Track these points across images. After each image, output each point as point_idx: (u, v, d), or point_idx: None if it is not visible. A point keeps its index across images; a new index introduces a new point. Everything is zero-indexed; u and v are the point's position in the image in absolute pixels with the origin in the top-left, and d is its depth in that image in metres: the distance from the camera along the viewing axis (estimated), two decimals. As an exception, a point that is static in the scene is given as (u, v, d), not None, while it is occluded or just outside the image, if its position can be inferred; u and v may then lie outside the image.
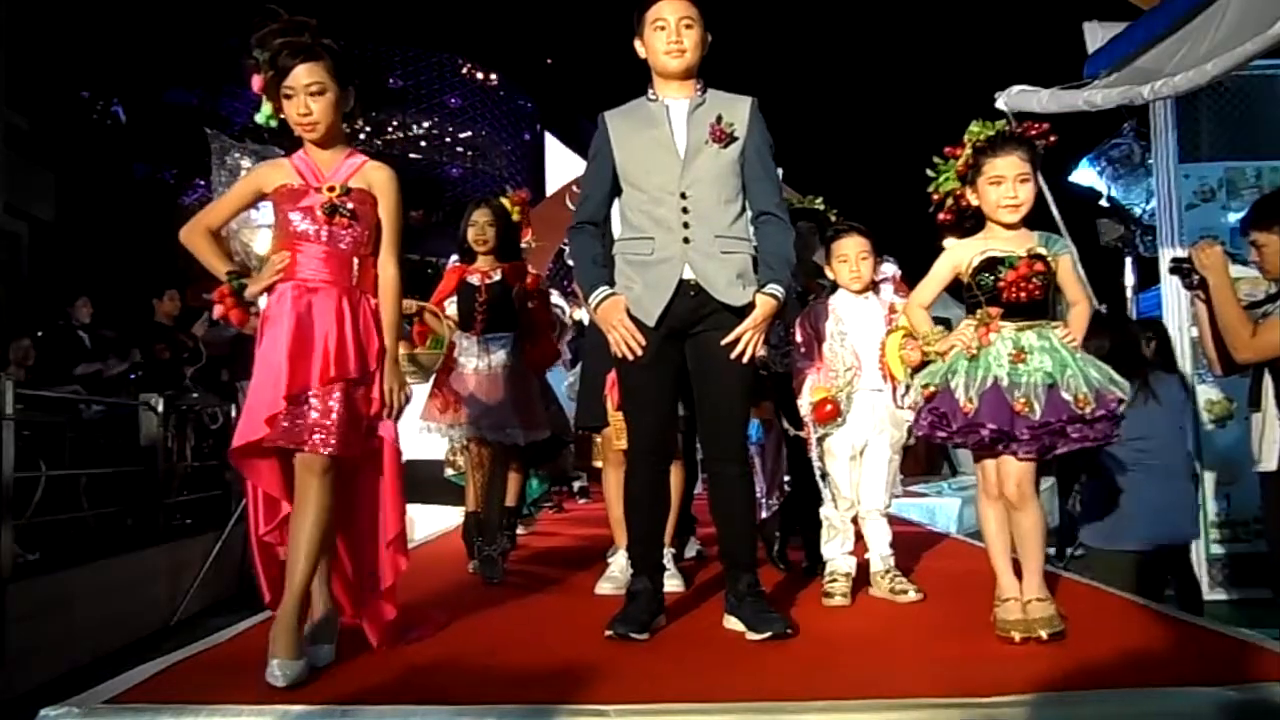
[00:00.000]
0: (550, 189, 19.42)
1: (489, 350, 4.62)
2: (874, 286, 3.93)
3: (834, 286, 3.98)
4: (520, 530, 5.81)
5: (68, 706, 2.45)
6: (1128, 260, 8.87)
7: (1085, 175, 8.67)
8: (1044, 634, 2.93)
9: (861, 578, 3.84)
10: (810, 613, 3.51)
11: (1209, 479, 6.47)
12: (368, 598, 3.06)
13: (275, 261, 2.94)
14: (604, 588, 4.00)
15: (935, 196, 3.29)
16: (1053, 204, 5.84)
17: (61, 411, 7.76)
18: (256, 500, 2.96)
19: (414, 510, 6.66)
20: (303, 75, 2.89)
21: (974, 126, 3.18)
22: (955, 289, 3.27)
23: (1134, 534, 4.30)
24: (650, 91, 3.34)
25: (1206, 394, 6.58)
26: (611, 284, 3.27)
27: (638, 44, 3.33)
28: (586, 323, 5.05)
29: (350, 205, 2.94)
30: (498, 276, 4.68)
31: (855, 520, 3.88)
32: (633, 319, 3.20)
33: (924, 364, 3.29)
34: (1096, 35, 6.82)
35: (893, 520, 3.99)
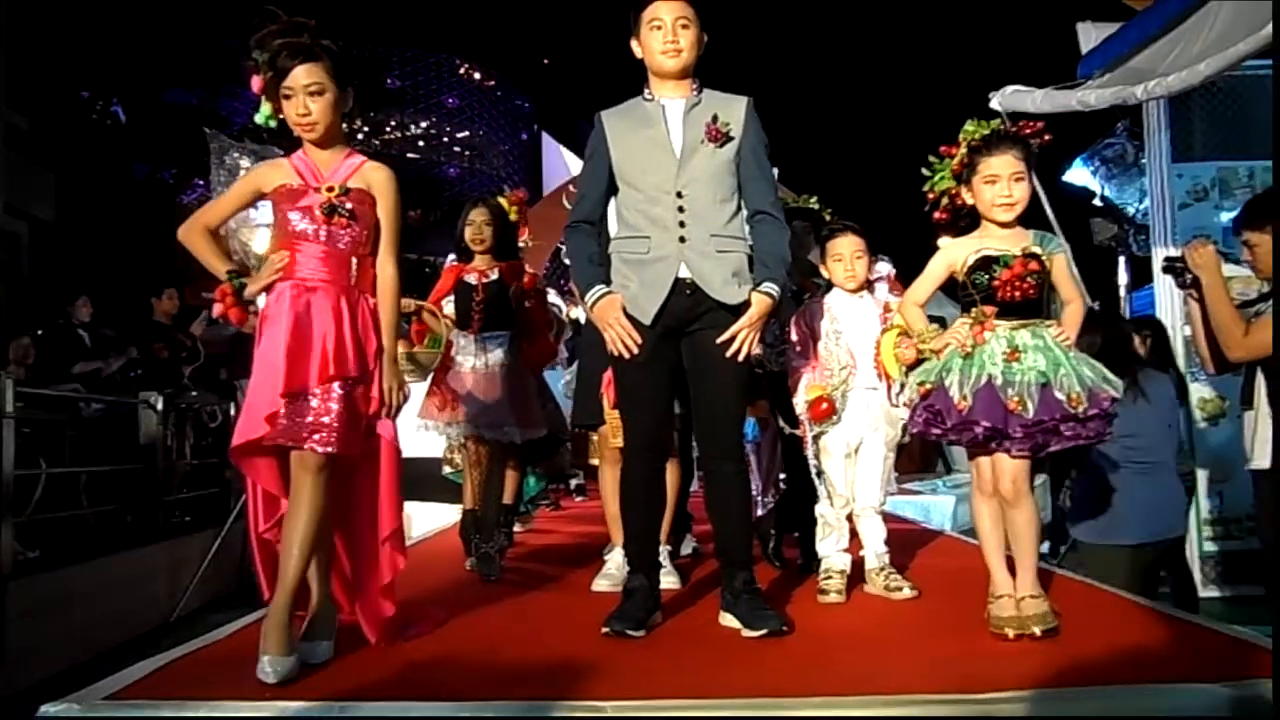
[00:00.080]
0: (547, 188, 19.46)
1: (486, 349, 4.63)
2: (869, 285, 3.94)
3: (829, 285, 4.00)
4: (517, 528, 5.83)
5: (68, 703, 2.46)
6: (1121, 259, 8.90)
7: (1079, 175, 8.69)
8: (1038, 630, 2.94)
9: (856, 575, 3.85)
10: (805, 610, 3.52)
11: (1202, 476, 6.49)
12: (366, 595, 3.07)
13: (274, 261, 2.96)
14: (600, 585, 4.01)
15: (930, 195, 3.30)
16: (1047, 203, 5.88)
17: (61, 410, 7.78)
18: (256, 498, 2.98)
19: (412, 508, 6.66)
20: (302, 76, 2.90)
21: (969, 125, 3.19)
22: (950, 287, 3.28)
23: (1127, 530, 4.32)
24: (646, 91, 3.35)
25: (1199, 392, 6.61)
26: (608, 283, 3.29)
27: (634, 44, 3.34)
28: (583, 321, 5.06)
29: (349, 205, 2.95)
30: (495, 276, 4.69)
31: (850, 518, 3.89)
32: (629, 317, 3.21)
33: (919, 362, 3.30)
34: (1090, 35, 6.85)
35: (887, 517, 4.00)
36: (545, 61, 40.92)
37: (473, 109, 41.45)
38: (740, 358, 3.20)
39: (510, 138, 41.68)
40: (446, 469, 6.23)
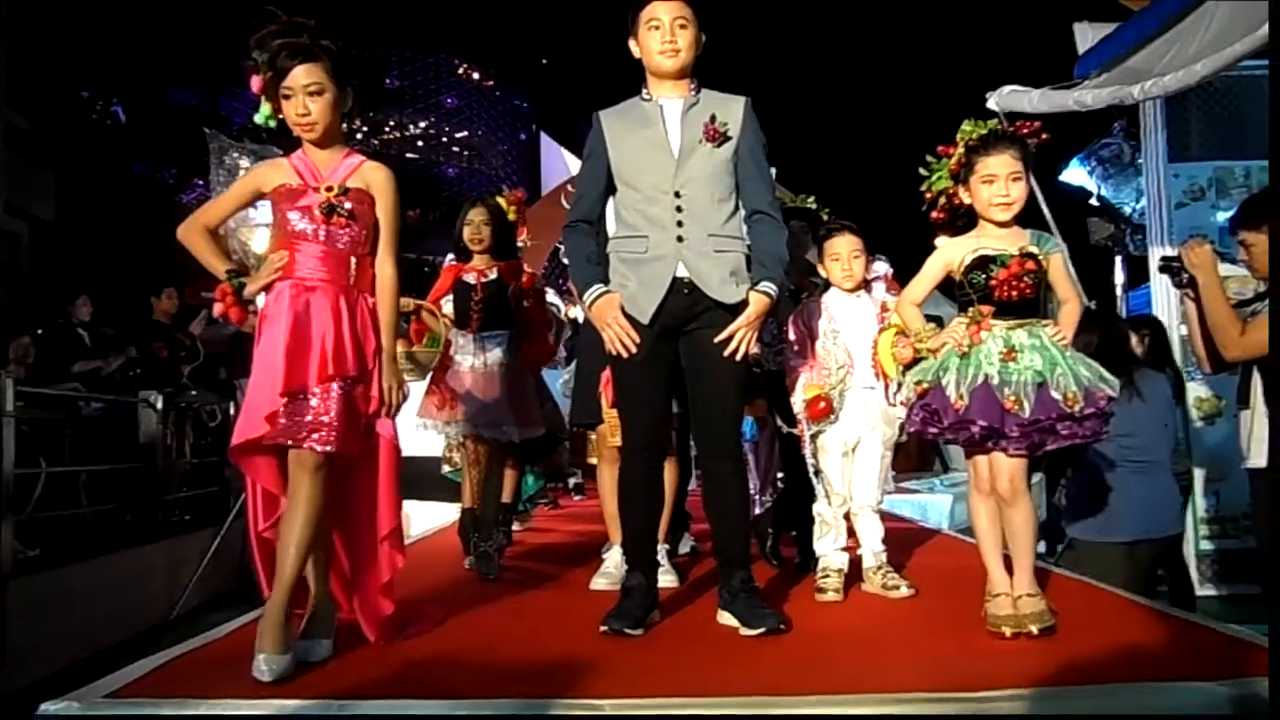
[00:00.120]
0: (546, 188, 19.44)
1: (485, 348, 4.64)
2: (866, 285, 3.95)
3: (826, 285, 4.01)
4: (516, 526, 5.83)
5: (68, 701, 2.47)
6: (1118, 259, 8.92)
7: (1075, 174, 8.72)
8: (1035, 629, 2.94)
9: (854, 573, 3.86)
10: (803, 608, 3.52)
11: (1198, 475, 6.51)
12: (365, 593, 3.08)
13: (273, 260, 2.97)
14: (599, 583, 4.01)
15: (928, 195, 3.30)
16: (1043, 202, 5.88)
17: (61, 409, 7.79)
18: (256, 497, 2.99)
19: (411, 506, 6.67)
20: (301, 76, 2.91)
21: (967, 125, 3.19)
22: (947, 287, 3.29)
23: (1124, 528, 4.34)
24: (645, 91, 3.36)
25: (1196, 391, 6.63)
26: (606, 282, 3.29)
27: (632, 44, 3.35)
28: (581, 321, 5.07)
29: (348, 205, 2.96)
30: (493, 275, 4.70)
31: (848, 516, 3.90)
32: (627, 317, 3.22)
33: (916, 361, 3.31)
34: (1087, 36, 6.86)
35: (885, 516, 4.00)
36: (544, 62, 40.98)
37: (471, 109, 41.50)
38: (738, 357, 3.21)
39: (509, 138, 41.73)
40: (445, 468, 6.23)
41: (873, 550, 3.86)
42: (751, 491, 4.23)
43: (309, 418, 2.81)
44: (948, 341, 3.13)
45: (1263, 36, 4.35)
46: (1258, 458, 3.55)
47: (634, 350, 3.20)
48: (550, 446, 5.88)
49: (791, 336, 3.99)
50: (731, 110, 3.30)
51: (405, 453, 3.11)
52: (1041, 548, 4.19)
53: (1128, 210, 8.52)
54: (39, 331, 8.84)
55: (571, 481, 8.86)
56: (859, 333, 3.87)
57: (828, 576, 3.76)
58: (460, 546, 4.83)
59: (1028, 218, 3.25)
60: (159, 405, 8.08)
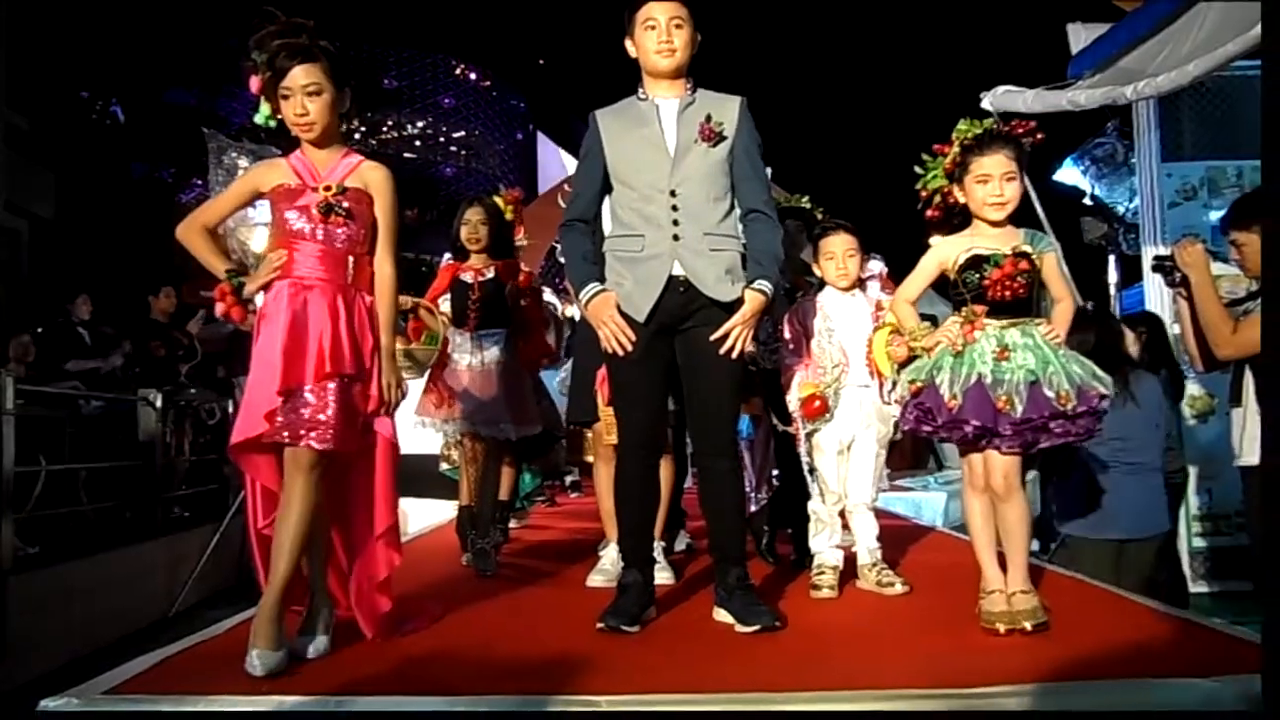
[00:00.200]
0: (542, 187, 19.44)
1: (482, 347, 4.65)
2: (861, 284, 3.97)
3: (821, 284, 4.01)
4: (513, 524, 5.84)
5: (67, 697, 2.48)
6: (1111, 258, 8.94)
7: (1069, 174, 8.74)
8: (1028, 626, 2.96)
9: (849, 571, 3.87)
10: (798, 605, 3.54)
11: (1191, 473, 6.52)
12: (362, 590, 3.09)
13: (272, 259, 2.98)
14: (595, 580, 4.03)
15: (923, 194, 3.31)
16: (1037, 202, 5.90)
17: (61, 407, 7.77)
18: (255, 494, 3.01)
19: (408, 504, 6.67)
20: (300, 76, 2.92)
21: (962, 124, 3.21)
22: (941, 285, 3.30)
23: (1116, 525, 4.36)
24: (641, 91, 3.37)
25: (1188, 390, 6.63)
26: (602, 280, 3.30)
27: (628, 44, 3.36)
28: (578, 319, 5.09)
29: (346, 204, 2.97)
30: (491, 274, 4.71)
31: (843, 514, 3.92)
32: (623, 315, 3.23)
33: (910, 360, 3.32)
34: (1080, 36, 6.89)
35: (879, 514, 4.01)
36: (540, 62, 40.96)
37: (469, 109, 41.48)
38: (734, 355, 3.22)
39: (506, 137, 41.71)
40: (443, 465, 6.24)
41: (867, 547, 3.87)
42: (747, 489, 4.24)
43: (307, 416, 2.83)
44: (942, 340, 3.15)
45: (1255, 37, 4.37)
46: (1250, 455, 3.55)
47: (630, 348, 3.21)
48: (547, 444, 5.88)
49: (787, 335, 4.00)
50: (727, 110, 3.32)
51: (403, 450, 3.12)
52: (1035, 545, 4.21)
53: (1121, 210, 8.55)
54: (39, 330, 8.84)
55: (568, 479, 8.86)
56: (854, 331, 3.88)
57: (823, 573, 3.77)
58: (458, 544, 4.86)
59: (1021, 217, 3.26)
60: (158, 403, 8.08)
